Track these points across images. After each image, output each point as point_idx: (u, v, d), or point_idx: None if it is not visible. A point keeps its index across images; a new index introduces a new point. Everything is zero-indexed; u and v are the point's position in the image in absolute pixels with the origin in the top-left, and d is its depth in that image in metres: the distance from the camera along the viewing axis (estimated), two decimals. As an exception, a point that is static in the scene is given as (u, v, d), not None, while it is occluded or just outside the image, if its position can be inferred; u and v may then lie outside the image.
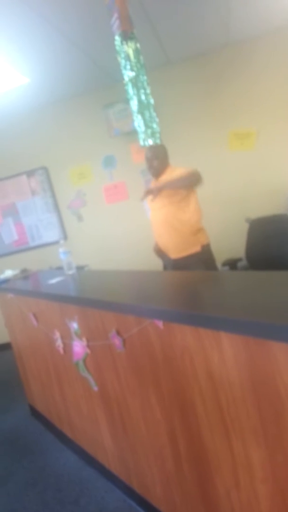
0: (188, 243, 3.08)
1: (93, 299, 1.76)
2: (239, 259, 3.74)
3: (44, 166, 4.83)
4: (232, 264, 3.66)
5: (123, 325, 1.60)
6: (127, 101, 2.45)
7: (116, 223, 4.73)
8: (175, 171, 3.05)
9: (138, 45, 2.28)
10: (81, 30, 2.99)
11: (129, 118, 4.28)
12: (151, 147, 2.98)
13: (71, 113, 4.64)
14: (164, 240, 3.16)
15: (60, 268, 2.94)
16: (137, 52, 2.28)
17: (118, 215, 4.72)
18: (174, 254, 3.15)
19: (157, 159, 3.03)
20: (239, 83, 4.19)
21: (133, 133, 4.18)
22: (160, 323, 1.36)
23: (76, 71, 3.82)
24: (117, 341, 1.67)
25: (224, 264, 3.55)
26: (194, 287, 1.65)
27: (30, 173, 4.87)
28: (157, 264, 3.38)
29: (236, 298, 1.25)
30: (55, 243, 4.73)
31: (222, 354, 1.13)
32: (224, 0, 3.09)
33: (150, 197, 3.10)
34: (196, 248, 3.09)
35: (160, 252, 3.32)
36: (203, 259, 3.09)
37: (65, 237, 4.84)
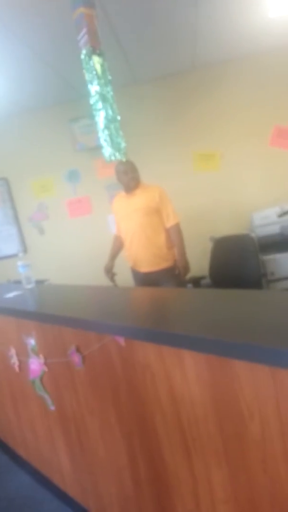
0: (162, 257, 3.10)
1: (52, 314, 1.71)
2: (203, 277, 3.79)
3: (4, 177, 4.71)
4: (195, 281, 3.71)
5: (83, 341, 1.56)
6: (92, 116, 2.44)
7: (79, 238, 4.67)
8: (148, 189, 3.10)
9: (105, 62, 2.29)
10: (47, 43, 2.98)
11: (94, 134, 4.25)
12: (123, 162, 2.99)
13: (36, 125, 4.57)
14: (139, 251, 3.14)
15: (18, 282, 2.85)
16: (104, 68, 2.28)
17: (81, 230, 4.66)
18: (147, 267, 3.14)
19: (135, 171, 3.07)
20: (204, 105, 4.31)
21: (98, 148, 4.13)
22: (121, 340, 1.33)
23: (41, 84, 3.79)
24: (76, 358, 1.62)
25: (188, 281, 3.58)
26: (157, 303, 1.64)
27: (-11, 184, 4.73)
28: (120, 280, 3.35)
29: (199, 316, 1.24)
30: (14, 256, 4.59)
31: (184, 372, 1.11)
32: (191, 24, 3.18)
33: (124, 207, 3.12)
34: (170, 263, 3.12)
35: (109, 274, 3.29)
36: (175, 274, 3.11)
37: (25, 250, 4.70)
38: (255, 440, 0.98)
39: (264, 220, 3.96)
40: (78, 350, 1.59)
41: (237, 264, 3.51)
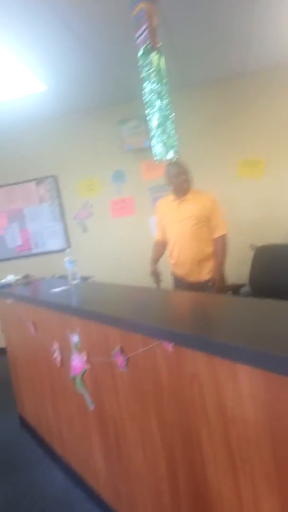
0: (208, 268, 3.01)
1: (99, 312, 1.69)
2: (243, 285, 3.67)
3: (54, 175, 4.79)
4: (235, 289, 3.60)
5: (128, 343, 1.52)
6: (140, 117, 2.41)
7: (120, 237, 4.68)
8: (200, 195, 3.01)
9: (162, 59, 2.25)
10: (103, 42, 2.97)
11: (141, 135, 4.25)
12: (176, 163, 2.91)
13: (85, 125, 4.62)
14: (186, 261, 3.05)
15: (63, 277, 2.86)
16: (161, 65, 2.24)
17: (122, 229, 4.67)
18: (191, 276, 3.05)
19: (187, 174, 2.98)
20: (252, 111, 4.21)
21: (145, 150, 4.14)
22: (169, 346, 1.28)
23: (94, 83, 3.80)
24: (120, 360, 1.58)
25: (228, 289, 3.48)
26: (207, 310, 1.57)
27: (39, 181, 4.83)
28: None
29: (252, 327, 1.16)
30: (58, 251, 4.66)
31: (238, 387, 1.04)
32: (246, 28, 3.08)
33: (173, 213, 3.03)
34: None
35: (155, 275, 3.20)
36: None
37: (68, 246, 4.77)
38: (313, 469, 0.90)
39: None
40: (122, 351, 1.56)
41: (279, 274, 3.37)
